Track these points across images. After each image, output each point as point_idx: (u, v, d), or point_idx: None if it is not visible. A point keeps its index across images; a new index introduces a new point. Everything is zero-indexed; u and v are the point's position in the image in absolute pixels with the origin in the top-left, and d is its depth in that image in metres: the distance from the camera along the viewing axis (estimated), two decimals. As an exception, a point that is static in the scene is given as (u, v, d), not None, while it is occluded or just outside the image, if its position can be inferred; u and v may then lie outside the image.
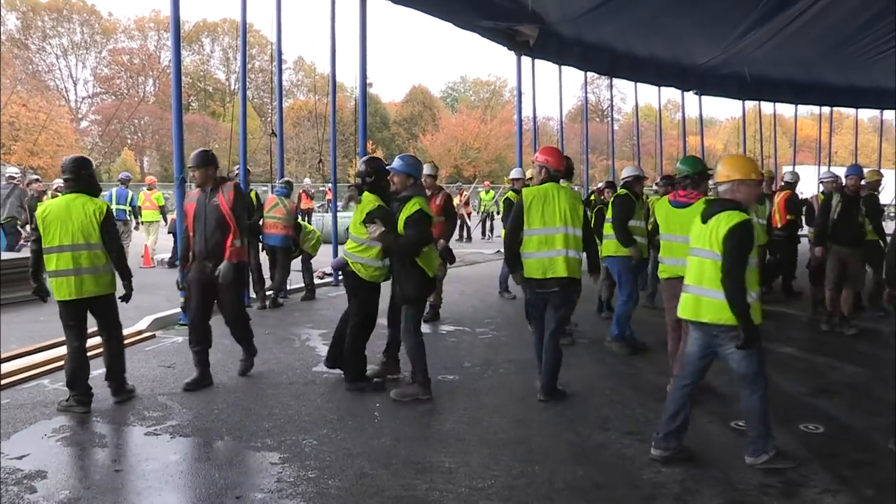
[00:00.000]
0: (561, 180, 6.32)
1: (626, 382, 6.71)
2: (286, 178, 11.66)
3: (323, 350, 7.86)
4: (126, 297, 6.05)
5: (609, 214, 8.12)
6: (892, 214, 30.38)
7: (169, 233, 15.79)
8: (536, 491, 4.28)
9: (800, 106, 26.98)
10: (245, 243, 6.71)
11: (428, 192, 7.95)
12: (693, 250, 4.77)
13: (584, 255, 6.21)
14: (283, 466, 4.57)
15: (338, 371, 6.91)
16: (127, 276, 6.00)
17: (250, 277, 10.70)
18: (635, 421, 5.56)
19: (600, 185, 13.01)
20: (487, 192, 26.29)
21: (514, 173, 11.45)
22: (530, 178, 11.99)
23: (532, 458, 4.78)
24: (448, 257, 8.31)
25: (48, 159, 46.03)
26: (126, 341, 7.83)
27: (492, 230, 25.29)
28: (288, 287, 11.91)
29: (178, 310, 9.15)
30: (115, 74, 63.46)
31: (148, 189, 17.28)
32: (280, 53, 13.04)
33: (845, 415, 5.76)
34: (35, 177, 14.02)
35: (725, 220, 4.48)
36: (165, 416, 5.57)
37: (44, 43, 60.52)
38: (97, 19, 62.78)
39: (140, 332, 8.34)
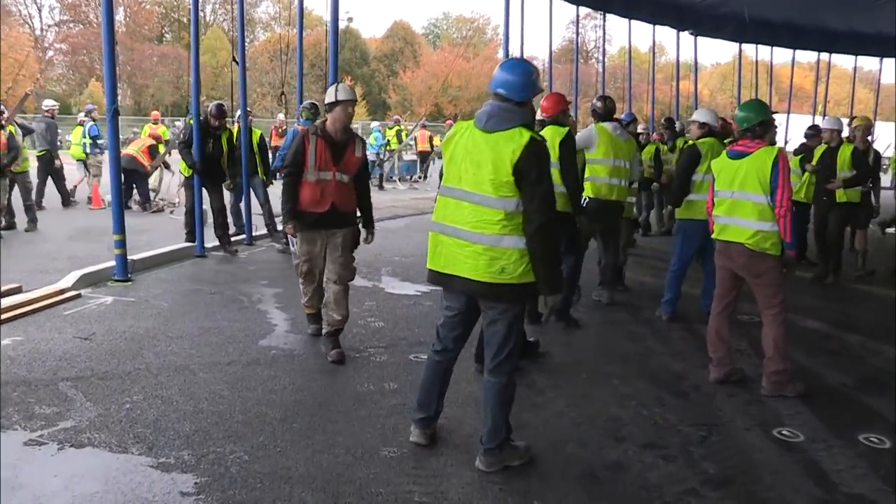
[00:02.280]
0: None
1: (635, 367, 5.58)
2: (312, 102, 10.18)
3: (276, 315, 6.69)
4: None
5: (706, 168, 6.46)
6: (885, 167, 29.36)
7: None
8: (537, 543, 3.16)
9: (786, 55, 25.65)
10: None
11: (339, 136, 5.51)
12: None
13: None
14: (198, 500, 3.40)
15: (289, 347, 5.75)
16: None
17: (199, 222, 9.48)
18: (655, 427, 4.44)
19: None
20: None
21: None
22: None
23: (530, 487, 3.62)
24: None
25: (6, 88, 43.70)
26: (43, 303, 6.71)
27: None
28: (253, 233, 10.71)
29: (113, 262, 7.89)
30: (82, 1, 60.41)
31: (153, 123, 17.85)
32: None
33: (909, 419, 4.68)
34: None
35: None
36: (61, 413, 4.36)
37: (4, -36, 57.30)
38: (62, -60, 59.42)
39: (62, 291, 7.06)
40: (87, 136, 14.75)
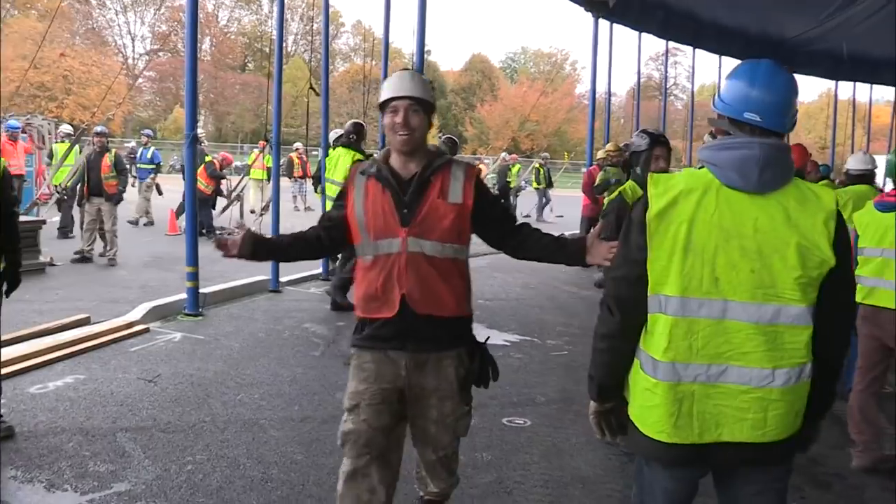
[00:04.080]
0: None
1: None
2: (449, 136, 9.91)
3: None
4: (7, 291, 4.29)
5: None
6: None
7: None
8: None
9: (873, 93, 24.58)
10: None
11: (407, 168, 2.88)
12: None
13: None
14: None
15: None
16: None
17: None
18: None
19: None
20: (514, 165, 22.91)
21: None
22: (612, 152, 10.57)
23: None
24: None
25: (100, 115, 45.21)
26: (110, 336, 6.34)
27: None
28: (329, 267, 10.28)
29: (185, 295, 7.52)
30: (171, 31, 62.51)
31: (259, 151, 18.71)
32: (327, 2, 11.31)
33: None
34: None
35: None
36: (116, 472, 3.89)
37: (105, -2, 59.84)
38: (158, -26, 61.88)
39: (130, 325, 6.71)
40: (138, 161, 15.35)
